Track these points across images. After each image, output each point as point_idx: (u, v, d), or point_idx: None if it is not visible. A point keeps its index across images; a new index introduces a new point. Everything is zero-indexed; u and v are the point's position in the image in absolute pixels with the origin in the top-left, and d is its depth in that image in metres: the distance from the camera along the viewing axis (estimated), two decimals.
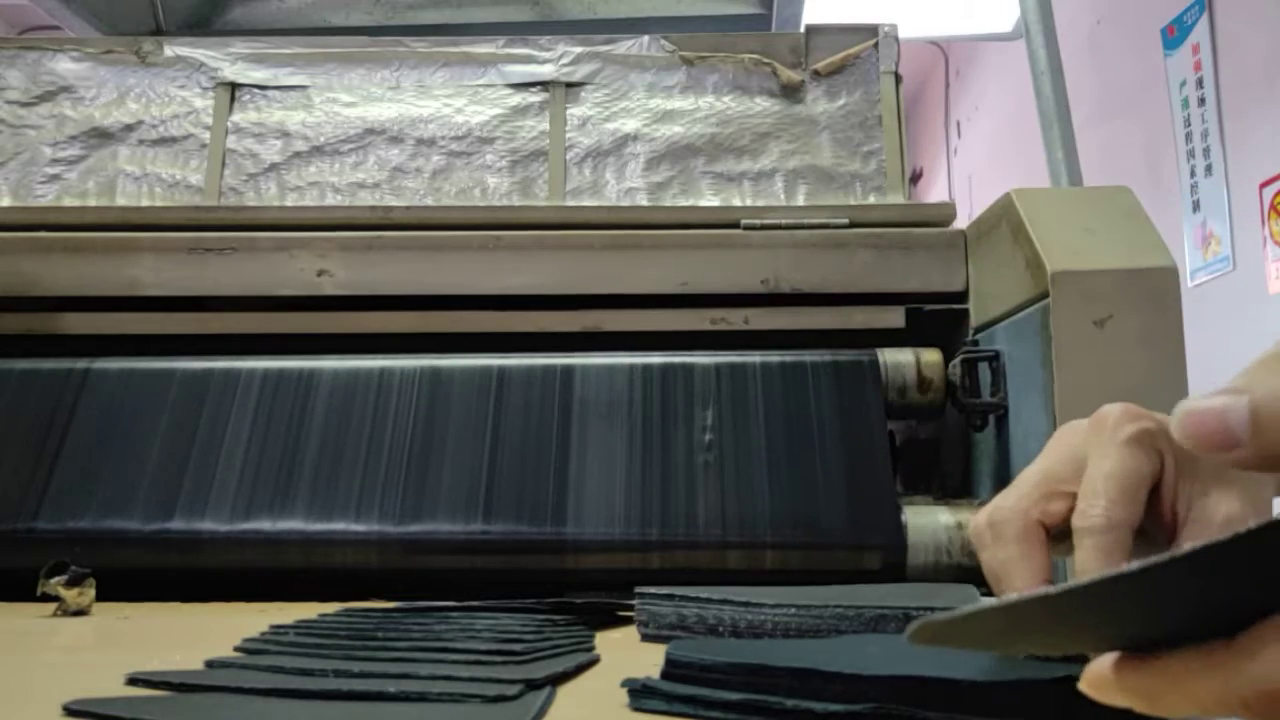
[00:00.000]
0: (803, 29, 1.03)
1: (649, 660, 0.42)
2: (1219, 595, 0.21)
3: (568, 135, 1.00)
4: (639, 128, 1.00)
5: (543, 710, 0.36)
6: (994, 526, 0.37)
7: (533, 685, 0.39)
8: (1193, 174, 2.38)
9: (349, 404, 0.78)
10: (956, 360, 0.80)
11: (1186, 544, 0.34)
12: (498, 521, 0.72)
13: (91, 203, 0.98)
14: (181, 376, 0.80)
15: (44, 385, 0.80)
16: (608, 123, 1.00)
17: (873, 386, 0.78)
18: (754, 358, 0.80)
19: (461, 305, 0.87)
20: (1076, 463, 0.36)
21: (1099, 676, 0.25)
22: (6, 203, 0.98)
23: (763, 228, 0.88)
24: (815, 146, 0.99)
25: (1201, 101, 2.33)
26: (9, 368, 0.81)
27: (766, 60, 1.02)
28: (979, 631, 0.24)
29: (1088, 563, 0.34)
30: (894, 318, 0.86)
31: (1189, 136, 2.38)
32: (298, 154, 1.00)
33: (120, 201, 0.98)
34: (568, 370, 0.80)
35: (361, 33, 1.38)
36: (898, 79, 1.01)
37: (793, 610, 0.49)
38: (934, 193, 4.76)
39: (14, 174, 0.99)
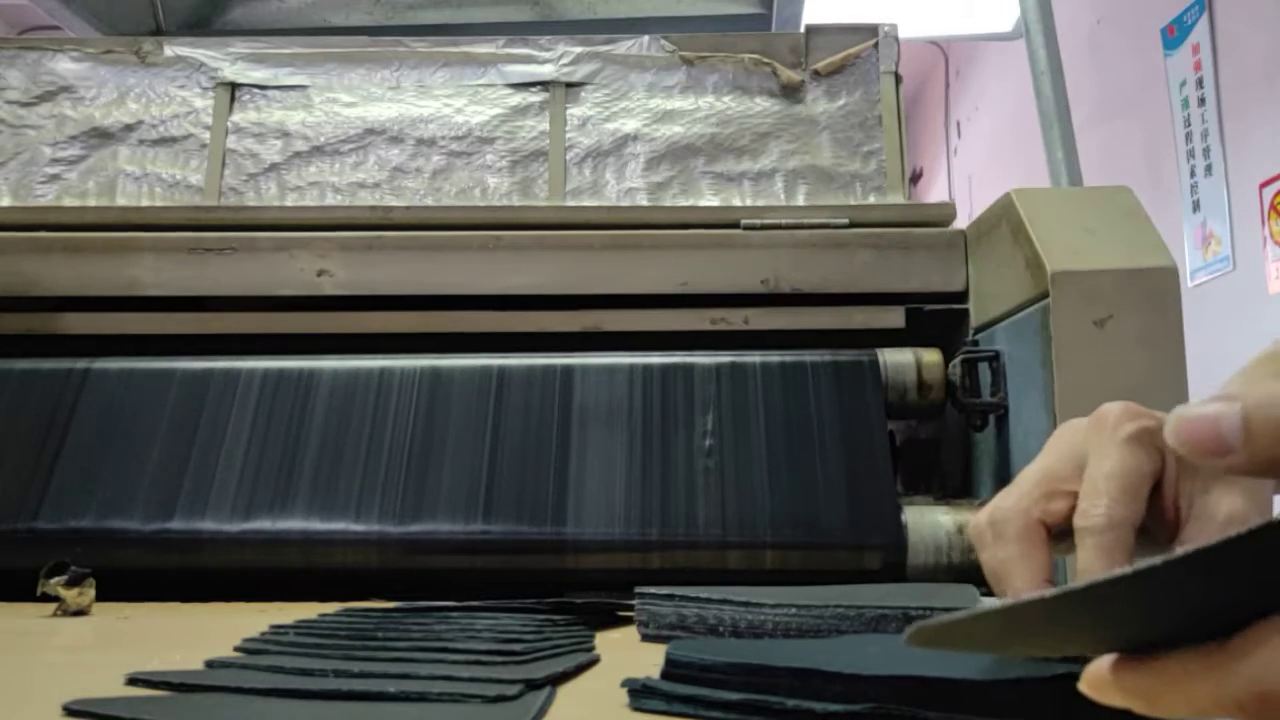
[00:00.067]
0: (803, 29, 1.03)
1: (649, 660, 0.42)
2: (1217, 596, 0.22)
3: (568, 135, 1.00)
4: (639, 128, 1.00)
5: (543, 710, 0.36)
6: (994, 526, 0.37)
7: (533, 685, 0.39)
8: (1193, 174, 2.38)
9: (349, 404, 0.78)
10: (956, 360, 0.80)
11: (1187, 543, 0.34)
12: (498, 521, 0.72)
13: (91, 203, 0.98)
14: (181, 376, 0.80)
15: (44, 385, 0.80)
16: (608, 123, 1.00)
17: (873, 386, 0.78)
18: (754, 358, 0.80)
19: (461, 305, 0.87)
20: (1077, 461, 0.36)
21: (1098, 677, 0.25)
22: (6, 203, 0.98)
23: (763, 228, 0.88)
24: (815, 146, 0.99)
25: (1201, 101, 2.33)
26: (9, 368, 0.81)
27: (766, 60, 1.02)
28: (977, 634, 0.24)
29: (1090, 562, 0.34)
30: (894, 318, 0.86)
31: (1189, 136, 2.38)
32: (298, 154, 1.00)
33: (120, 201, 0.98)
34: (568, 370, 0.80)
35: (361, 33, 1.38)
36: (898, 79, 1.01)
37: (793, 610, 0.49)
38: (934, 193, 4.77)
39: (14, 174, 0.99)
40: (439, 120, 1.01)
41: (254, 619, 0.57)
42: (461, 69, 1.03)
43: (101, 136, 1.00)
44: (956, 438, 0.87)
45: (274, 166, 0.99)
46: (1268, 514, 0.34)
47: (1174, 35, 2.44)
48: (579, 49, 1.03)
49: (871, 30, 1.02)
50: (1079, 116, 1.09)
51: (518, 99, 1.02)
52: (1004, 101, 3.74)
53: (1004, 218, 0.78)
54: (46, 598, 0.62)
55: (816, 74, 1.01)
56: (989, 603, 0.23)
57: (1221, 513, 0.35)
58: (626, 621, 0.58)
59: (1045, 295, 0.70)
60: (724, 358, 0.80)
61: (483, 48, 1.04)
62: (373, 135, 1.00)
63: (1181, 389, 0.68)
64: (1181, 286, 0.70)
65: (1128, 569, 0.21)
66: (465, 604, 0.59)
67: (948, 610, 0.23)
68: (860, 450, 0.75)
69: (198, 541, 0.72)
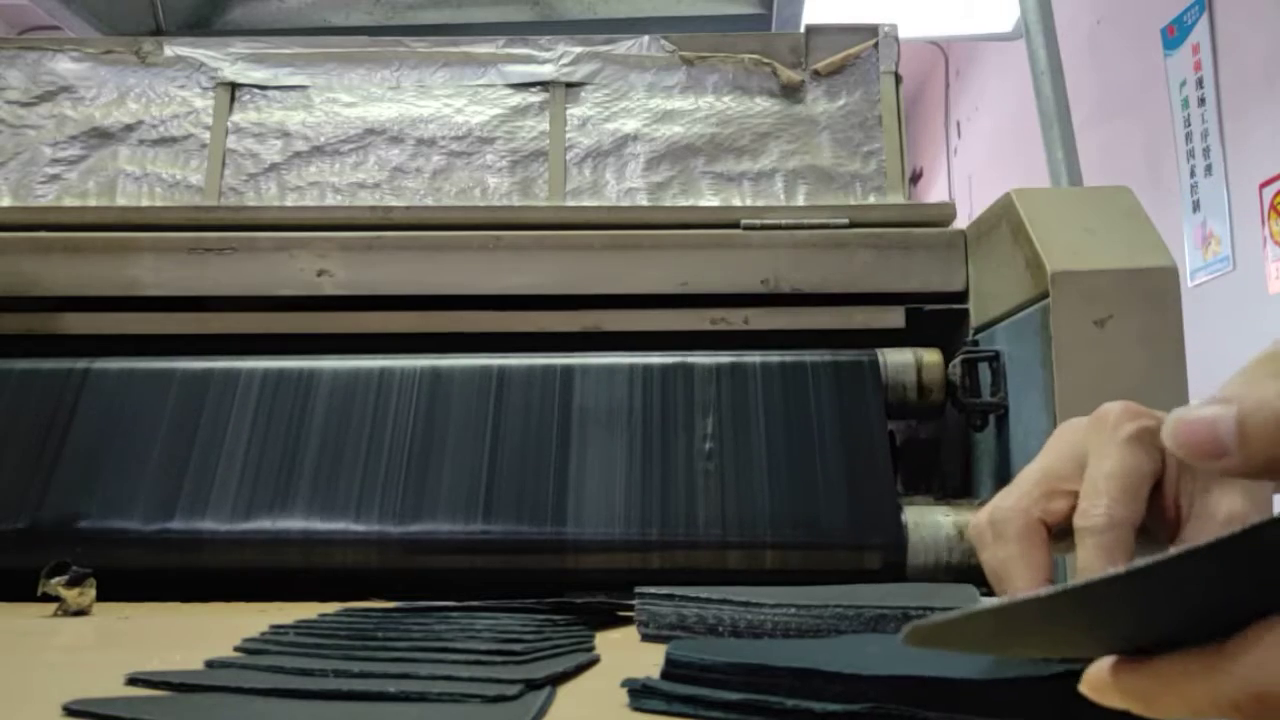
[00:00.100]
0: (803, 29, 1.03)
1: (649, 660, 0.42)
2: (1214, 596, 0.22)
3: (568, 135, 1.00)
4: (639, 128, 1.00)
5: (543, 710, 0.36)
6: (995, 525, 0.37)
7: (533, 685, 0.39)
8: (1193, 174, 2.38)
9: (349, 404, 0.78)
10: (956, 360, 0.80)
11: (1186, 542, 0.34)
12: (498, 521, 0.72)
13: (91, 203, 0.98)
14: (181, 376, 0.80)
15: (44, 385, 0.80)
16: (608, 123, 1.00)
17: (873, 387, 0.78)
18: (754, 358, 0.80)
19: (461, 305, 0.87)
20: (1077, 461, 0.36)
21: (1097, 678, 0.25)
22: (6, 203, 0.98)
23: (763, 228, 0.88)
24: (815, 146, 0.99)
25: (1201, 101, 2.33)
26: (9, 368, 0.81)
27: (766, 60, 1.02)
28: (973, 633, 0.24)
29: (1089, 562, 0.34)
30: (894, 318, 0.86)
31: (1189, 136, 2.38)
32: (298, 154, 1.00)
33: (120, 201, 0.98)
34: (568, 370, 0.80)
35: (361, 33, 1.38)
36: (898, 79, 1.01)
37: (793, 610, 0.49)
38: (934, 193, 4.76)
39: (14, 174, 0.99)
40: (439, 120, 1.01)
41: (254, 619, 0.57)
42: (461, 69, 1.03)
43: (101, 136, 1.00)
44: (956, 438, 0.87)
45: (274, 166, 0.99)
46: (1268, 514, 0.34)
47: (1174, 35, 2.44)
48: (579, 49, 1.03)
49: (871, 30, 1.02)
50: (1079, 116, 1.09)
51: (518, 99, 1.02)
52: (1004, 101, 3.74)
53: (1004, 218, 0.78)
54: (47, 598, 0.62)
55: (816, 74, 1.01)
56: (988, 603, 0.23)
57: (1222, 513, 0.35)
58: (626, 621, 0.58)
59: (1045, 295, 0.70)
60: (724, 358, 0.80)
61: (483, 48, 1.04)
62: (373, 135, 1.00)
63: (1181, 389, 0.68)
64: (1181, 286, 0.70)
65: (1122, 569, 0.21)
66: (465, 604, 0.59)
67: (947, 610, 0.23)
68: (860, 450, 0.75)
69: (198, 541, 0.72)
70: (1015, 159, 3.51)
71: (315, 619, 0.54)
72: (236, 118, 1.01)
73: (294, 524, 0.72)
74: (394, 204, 0.95)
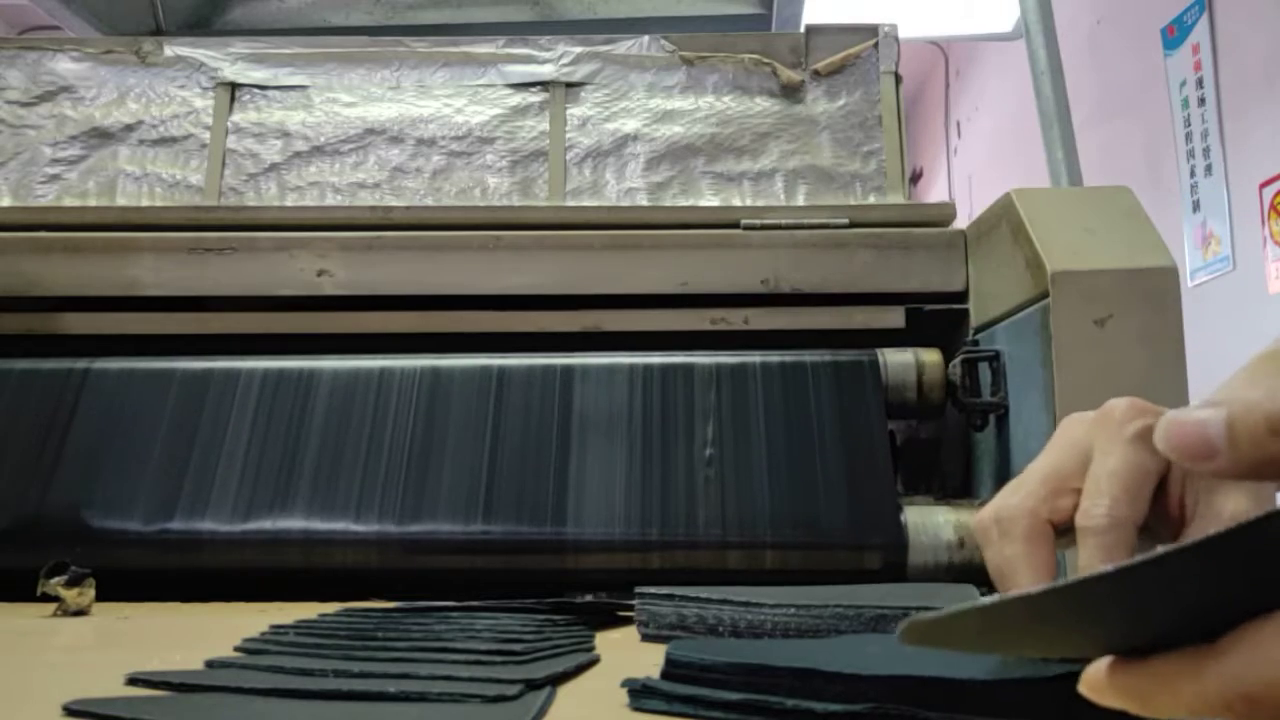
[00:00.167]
0: (803, 29, 1.03)
1: (649, 660, 0.42)
2: (1207, 595, 0.21)
3: (568, 135, 1.00)
4: (639, 128, 1.00)
5: (543, 710, 0.36)
6: (1000, 524, 0.37)
7: (533, 685, 0.39)
8: (1193, 174, 2.38)
9: (349, 404, 0.78)
10: (957, 360, 0.80)
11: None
12: (498, 521, 0.72)
13: (91, 203, 0.98)
14: (181, 376, 0.80)
15: (44, 385, 0.80)
16: (608, 123, 1.00)
17: (873, 386, 0.78)
18: (754, 358, 0.80)
19: (461, 305, 0.87)
20: (1083, 458, 0.36)
21: (1095, 679, 0.25)
22: (6, 203, 0.98)
23: (763, 228, 0.88)
24: (815, 146, 0.99)
25: (1201, 101, 2.33)
26: (9, 368, 0.81)
27: (766, 60, 1.01)
28: (967, 631, 0.24)
29: (1090, 561, 0.34)
30: (894, 318, 0.86)
31: (1189, 136, 2.38)
32: (298, 154, 1.00)
33: (120, 201, 0.98)
34: (568, 370, 0.80)
35: (361, 33, 1.38)
36: (898, 79, 1.01)
37: (793, 610, 0.49)
38: (934, 193, 4.77)
39: (14, 174, 0.99)
40: (439, 120, 1.01)
41: (254, 619, 0.57)
42: (461, 69, 1.03)
43: (101, 136, 1.00)
44: (956, 438, 0.87)
45: (274, 166, 0.99)
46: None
47: (1174, 35, 2.44)
48: (579, 49, 1.03)
49: (871, 30, 1.02)
50: (1079, 116, 1.09)
51: (518, 99, 1.02)
52: (1004, 101, 3.74)
53: (1004, 218, 0.78)
54: (46, 598, 0.62)
55: (816, 74, 1.01)
56: (979, 602, 0.23)
57: (1226, 513, 0.34)
58: (626, 621, 0.58)
59: (1045, 295, 0.70)
60: (724, 358, 0.80)
61: (483, 48, 1.04)
62: (373, 135, 1.00)
63: (1182, 389, 0.68)
64: (1181, 286, 0.70)
65: (1110, 566, 0.21)
66: (465, 604, 0.59)
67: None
68: (860, 450, 0.75)
69: (198, 541, 0.72)
70: (1015, 159, 3.51)
71: (315, 619, 0.54)
72: (236, 118, 1.01)
73: (294, 524, 0.72)
74: (394, 204, 0.95)
